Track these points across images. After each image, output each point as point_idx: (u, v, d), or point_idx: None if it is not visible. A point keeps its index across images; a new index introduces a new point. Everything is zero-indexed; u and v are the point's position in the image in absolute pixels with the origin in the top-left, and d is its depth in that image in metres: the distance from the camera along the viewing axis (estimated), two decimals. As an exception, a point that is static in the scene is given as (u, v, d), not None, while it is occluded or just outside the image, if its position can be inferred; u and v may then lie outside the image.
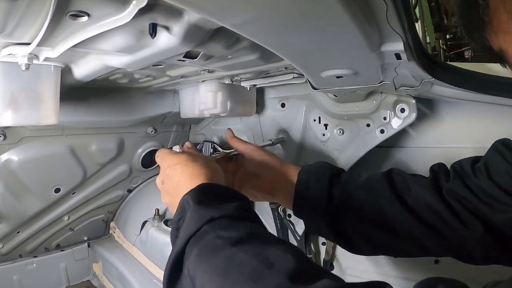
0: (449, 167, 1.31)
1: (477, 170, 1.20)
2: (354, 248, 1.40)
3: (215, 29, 1.04)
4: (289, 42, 1.01)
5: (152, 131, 2.41)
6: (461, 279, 1.86)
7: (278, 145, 2.06)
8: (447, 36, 5.81)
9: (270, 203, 2.16)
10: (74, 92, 1.71)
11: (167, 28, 0.96)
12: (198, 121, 2.61)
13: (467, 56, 5.41)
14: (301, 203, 1.41)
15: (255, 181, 1.49)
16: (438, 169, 1.33)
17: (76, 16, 0.86)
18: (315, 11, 0.79)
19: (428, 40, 4.91)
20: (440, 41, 5.54)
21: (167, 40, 0.99)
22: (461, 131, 1.77)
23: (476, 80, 1.38)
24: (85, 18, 0.87)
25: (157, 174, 2.67)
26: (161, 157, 1.34)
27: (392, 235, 1.28)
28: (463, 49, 5.53)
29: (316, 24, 0.87)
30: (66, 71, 1.40)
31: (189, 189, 1.10)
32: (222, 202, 1.03)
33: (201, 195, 1.06)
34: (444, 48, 5.65)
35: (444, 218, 1.19)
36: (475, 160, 1.25)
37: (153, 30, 0.93)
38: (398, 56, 1.13)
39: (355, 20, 0.83)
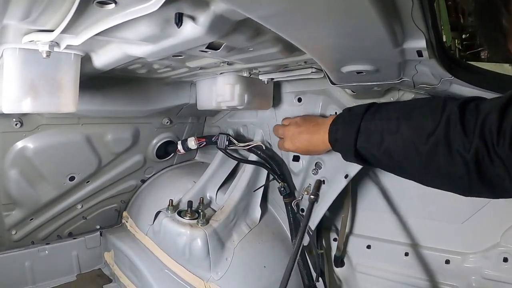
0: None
1: (501, 135, 1.15)
2: None
3: (239, 21, 1.04)
4: (314, 35, 1.00)
5: (167, 122, 2.42)
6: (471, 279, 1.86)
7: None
8: (463, 36, 5.77)
9: (284, 197, 2.17)
10: (91, 81, 1.71)
11: (192, 18, 0.96)
12: (213, 113, 2.61)
13: (483, 56, 5.37)
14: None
15: None
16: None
17: (103, 3, 0.86)
18: (343, 6, 0.79)
19: (444, 39, 4.88)
20: (456, 40, 5.50)
21: (192, 30, 0.99)
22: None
23: (495, 81, 1.38)
24: (112, 5, 0.87)
25: (171, 165, 2.69)
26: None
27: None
28: (479, 49, 5.50)
29: (343, 18, 0.87)
30: (85, 60, 1.40)
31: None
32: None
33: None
34: (460, 47, 5.62)
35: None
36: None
37: (179, 20, 0.92)
38: (419, 54, 1.13)
39: (381, 15, 0.83)
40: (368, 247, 2.24)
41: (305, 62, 1.60)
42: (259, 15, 0.84)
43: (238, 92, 1.90)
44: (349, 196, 2.20)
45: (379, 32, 0.92)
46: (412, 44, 1.08)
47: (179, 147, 2.46)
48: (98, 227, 2.66)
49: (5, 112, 1.29)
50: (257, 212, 2.34)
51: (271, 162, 2.24)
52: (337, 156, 1.66)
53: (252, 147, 2.26)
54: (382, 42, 1.01)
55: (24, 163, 2.00)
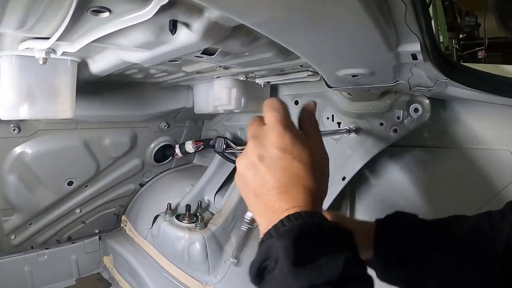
0: None
1: None
2: None
3: (233, 27, 1.04)
4: (308, 41, 1.00)
5: (165, 126, 2.43)
6: None
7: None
8: (460, 36, 5.77)
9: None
10: (88, 86, 1.72)
11: (187, 25, 0.96)
12: (211, 116, 2.62)
13: (480, 57, 5.36)
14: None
15: None
16: None
17: (98, 11, 0.87)
18: (336, 11, 0.80)
19: (441, 40, 4.87)
20: (453, 40, 5.49)
21: (186, 36, 0.99)
22: (474, 132, 1.75)
23: (491, 82, 1.37)
24: (106, 14, 0.88)
25: (169, 169, 2.69)
26: (273, 121, 0.88)
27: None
28: (476, 49, 5.49)
29: (336, 23, 0.87)
30: (82, 66, 1.41)
31: (280, 211, 0.76)
32: (325, 254, 0.72)
33: (298, 246, 0.72)
34: (457, 48, 5.61)
35: None
36: None
37: (173, 27, 0.93)
38: (414, 57, 1.13)
39: (374, 20, 0.83)
40: (367, 248, 2.24)
41: (301, 66, 1.61)
42: (253, 22, 0.84)
43: (235, 95, 1.91)
44: (346, 197, 2.20)
45: (373, 36, 0.92)
46: (407, 48, 1.08)
47: (177, 150, 2.47)
48: (97, 231, 2.67)
49: (3, 118, 1.30)
50: (256, 214, 2.32)
51: (269, 165, 2.24)
52: (334, 158, 1.65)
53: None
54: (376, 46, 1.01)
55: (22, 168, 2.00)
